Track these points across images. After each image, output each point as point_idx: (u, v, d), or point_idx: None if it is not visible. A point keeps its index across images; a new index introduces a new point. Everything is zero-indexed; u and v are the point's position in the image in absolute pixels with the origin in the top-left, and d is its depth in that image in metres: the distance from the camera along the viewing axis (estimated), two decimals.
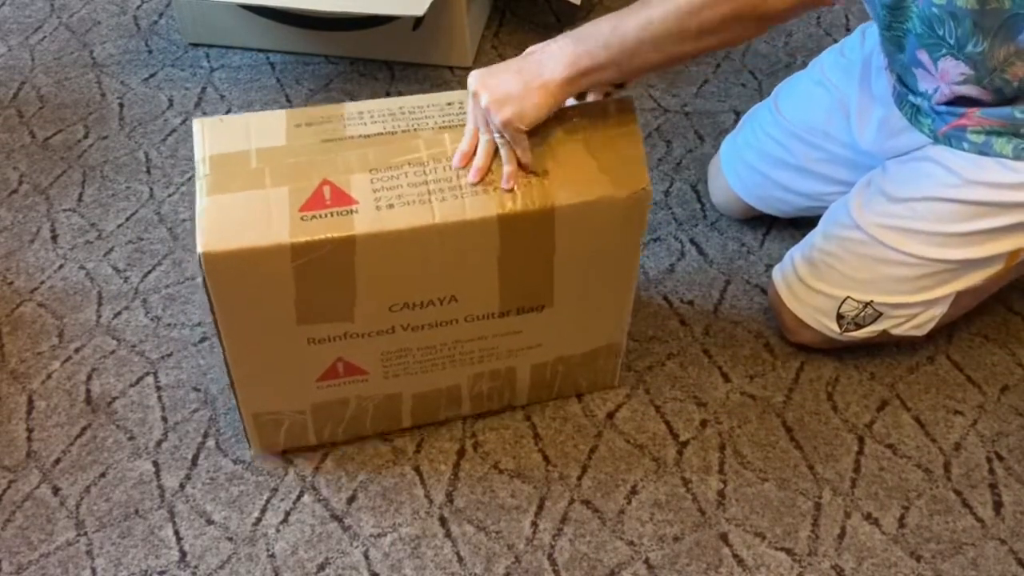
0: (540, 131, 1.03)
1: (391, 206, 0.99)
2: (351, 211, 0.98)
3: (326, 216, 0.98)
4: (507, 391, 1.25)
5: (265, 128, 1.05)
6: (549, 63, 1.00)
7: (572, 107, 1.06)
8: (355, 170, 1.01)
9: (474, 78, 1.02)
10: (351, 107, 1.09)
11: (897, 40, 1.13)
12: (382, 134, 1.05)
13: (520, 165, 1.02)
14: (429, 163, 1.02)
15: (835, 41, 1.81)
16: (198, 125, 1.05)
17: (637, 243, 1.10)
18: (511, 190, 1.01)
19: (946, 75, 1.10)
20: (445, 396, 1.22)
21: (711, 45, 0.97)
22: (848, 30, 1.84)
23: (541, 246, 1.05)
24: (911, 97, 1.17)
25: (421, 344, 1.11)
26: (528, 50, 1.04)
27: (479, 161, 1.02)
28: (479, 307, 1.09)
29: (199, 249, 0.96)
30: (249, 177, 1.00)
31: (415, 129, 1.06)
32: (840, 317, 1.25)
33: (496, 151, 1.03)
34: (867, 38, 1.30)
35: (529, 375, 1.22)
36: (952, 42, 1.07)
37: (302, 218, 0.98)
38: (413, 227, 0.99)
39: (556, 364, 1.22)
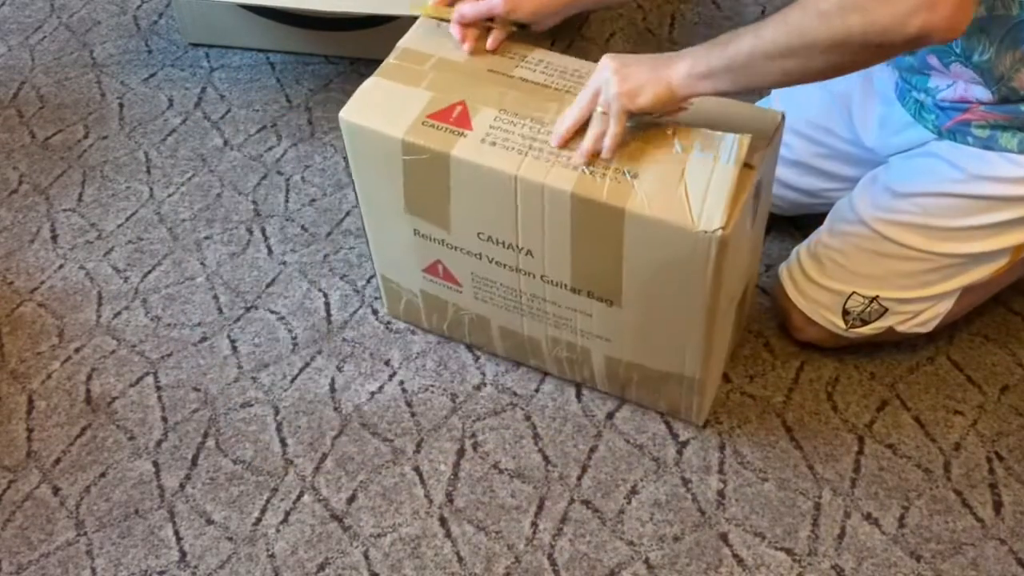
0: (655, 140, 1.06)
1: (494, 144, 1.08)
2: (461, 134, 1.09)
3: (442, 129, 1.10)
4: (586, 369, 1.26)
5: (457, 44, 1.18)
6: (676, 61, 1.02)
7: (698, 131, 1.06)
8: (490, 104, 1.11)
9: (610, 57, 1.06)
10: (537, 54, 1.18)
11: None
12: (537, 85, 1.13)
13: (595, 153, 1.05)
14: (549, 124, 1.09)
15: None
16: (420, 21, 1.22)
17: (707, 283, 1.05)
18: (586, 165, 1.06)
19: (961, 75, 1.10)
20: (528, 344, 1.27)
21: (824, 67, 0.95)
22: None
23: (611, 242, 1.07)
24: (915, 93, 1.17)
25: (503, 281, 1.19)
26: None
27: (586, 143, 1.05)
28: (554, 273, 1.14)
29: (340, 113, 1.14)
30: (413, 75, 1.16)
31: (568, 91, 1.12)
32: (846, 313, 1.25)
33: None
34: None
35: (604, 365, 1.23)
36: (959, 51, 1.07)
37: (423, 123, 1.11)
38: (494, 168, 1.07)
39: (629, 368, 1.22)
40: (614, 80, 1.03)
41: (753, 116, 1.10)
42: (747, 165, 1.03)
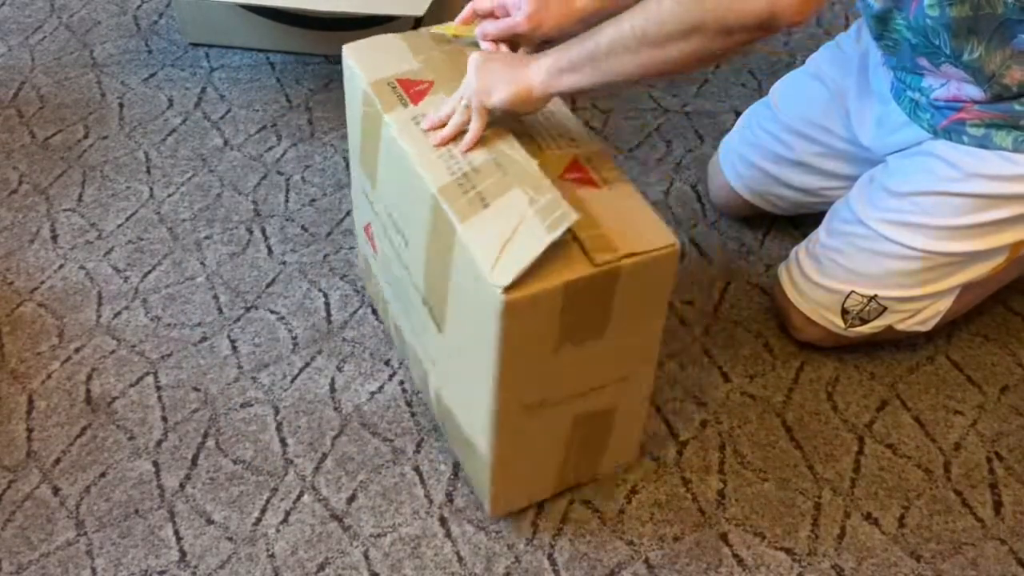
0: (529, 181, 1.00)
1: (418, 123, 1.09)
2: (405, 104, 1.11)
3: (396, 94, 1.13)
4: (427, 395, 1.25)
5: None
6: (539, 58, 1.03)
7: (557, 196, 0.99)
8: (447, 92, 1.11)
9: (477, 53, 1.08)
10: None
11: (891, 48, 1.14)
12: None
13: (452, 140, 1.06)
14: None
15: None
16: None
17: (492, 349, 0.98)
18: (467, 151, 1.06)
19: (953, 74, 1.10)
20: (408, 349, 1.27)
21: (678, 58, 0.94)
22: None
23: (445, 259, 1.03)
24: (910, 92, 1.17)
25: (394, 266, 1.20)
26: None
27: (446, 131, 1.06)
28: (416, 274, 1.12)
29: (344, 46, 1.19)
30: (422, 48, 1.18)
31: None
32: (845, 312, 1.25)
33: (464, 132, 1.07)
34: (863, 33, 1.30)
35: (434, 397, 1.20)
36: (948, 52, 1.08)
37: (388, 83, 1.13)
38: (400, 143, 1.08)
39: (445, 412, 1.19)
40: (473, 76, 1.05)
41: (646, 233, 0.99)
42: (601, 268, 0.94)
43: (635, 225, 0.99)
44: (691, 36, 0.92)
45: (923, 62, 1.11)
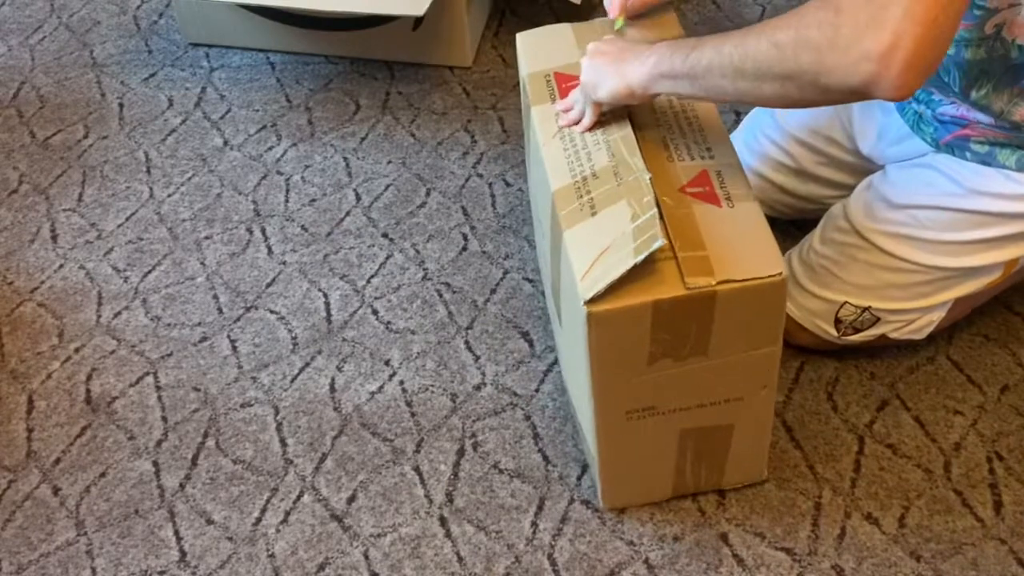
0: (634, 194, 0.99)
1: (558, 117, 1.11)
2: (553, 98, 1.14)
3: (549, 88, 1.15)
4: None
5: None
6: (642, 57, 1.02)
7: (654, 221, 0.97)
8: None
9: (592, 44, 1.09)
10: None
11: None
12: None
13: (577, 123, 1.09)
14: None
15: None
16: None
17: (586, 355, 0.98)
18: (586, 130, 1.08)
19: (961, 104, 1.10)
20: None
21: (772, 97, 0.93)
22: None
23: (557, 258, 1.06)
24: (914, 104, 1.16)
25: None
26: (648, 43, 1.06)
27: (572, 114, 1.10)
28: (544, 268, 1.17)
29: (519, 33, 1.23)
30: (587, 40, 1.13)
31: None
32: (838, 322, 1.25)
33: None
34: None
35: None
36: (957, 89, 1.07)
37: (545, 76, 1.16)
38: (536, 134, 1.11)
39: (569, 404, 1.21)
40: (584, 68, 1.07)
41: (753, 259, 0.96)
42: (688, 289, 0.93)
43: (744, 249, 0.96)
44: (785, 82, 0.90)
45: (932, 91, 1.11)
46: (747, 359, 1.02)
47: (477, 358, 1.35)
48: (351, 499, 1.21)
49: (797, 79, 0.88)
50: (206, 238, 1.53)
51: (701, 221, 0.98)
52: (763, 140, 1.40)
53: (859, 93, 0.85)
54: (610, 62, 1.05)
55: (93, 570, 1.16)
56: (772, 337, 1.02)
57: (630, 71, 1.03)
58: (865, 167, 1.28)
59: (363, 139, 1.67)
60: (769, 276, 0.94)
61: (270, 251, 1.50)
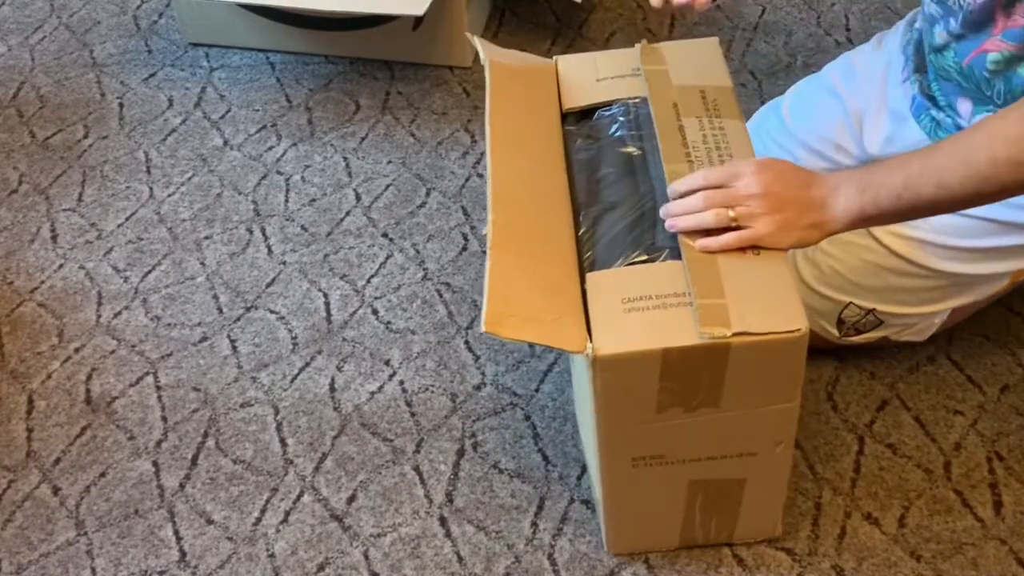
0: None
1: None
2: None
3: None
4: None
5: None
6: (835, 208, 0.96)
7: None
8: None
9: (758, 169, 0.97)
10: (728, 123, 1.08)
11: (940, 73, 1.13)
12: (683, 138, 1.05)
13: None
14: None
15: (835, 41, 1.81)
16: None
17: (593, 399, 0.96)
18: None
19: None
20: None
21: (997, 198, 0.93)
22: (848, 30, 1.84)
23: None
24: (933, 111, 1.15)
25: None
26: (817, 175, 0.99)
27: (687, 221, 0.97)
28: None
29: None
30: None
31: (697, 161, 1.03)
32: (841, 322, 1.24)
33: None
34: (884, 46, 1.28)
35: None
36: (1000, 102, 1.06)
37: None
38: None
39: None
40: (761, 208, 0.94)
41: (774, 313, 0.92)
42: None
43: (766, 302, 0.92)
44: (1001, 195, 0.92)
45: (964, 104, 1.10)
46: (762, 414, 0.98)
47: (477, 358, 1.35)
48: (351, 499, 1.21)
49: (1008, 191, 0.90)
50: (206, 238, 1.53)
51: (723, 268, 0.94)
52: (771, 144, 1.38)
53: None
54: (798, 213, 0.95)
55: (93, 570, 1.16)
56: (789, 393, 0.97)
57: (827, 220, 0.95)
58: None
59: (363, 139, 1.68)
60: (788, 332, 0.90)
61: (270, 251, 1.50)
